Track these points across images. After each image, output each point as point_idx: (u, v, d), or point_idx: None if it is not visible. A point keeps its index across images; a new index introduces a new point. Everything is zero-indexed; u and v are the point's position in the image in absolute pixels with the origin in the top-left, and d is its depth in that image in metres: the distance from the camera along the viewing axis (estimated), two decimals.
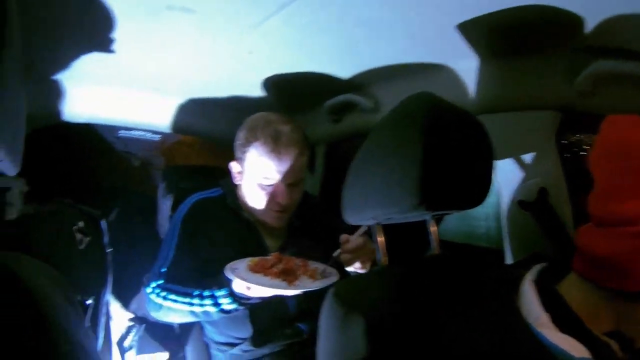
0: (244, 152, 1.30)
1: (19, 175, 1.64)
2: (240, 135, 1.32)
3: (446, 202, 0.78)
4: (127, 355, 1.70)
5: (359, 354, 0.66)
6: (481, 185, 0.84)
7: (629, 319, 0.65)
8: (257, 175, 1.28)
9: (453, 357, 0.65)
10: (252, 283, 1.09)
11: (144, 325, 1.76)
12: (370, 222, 0.92)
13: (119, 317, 1.76)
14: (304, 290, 1.10)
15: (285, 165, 1.26)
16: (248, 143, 1.28)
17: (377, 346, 0.66)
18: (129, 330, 1.76)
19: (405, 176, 0.74)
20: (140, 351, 1.73)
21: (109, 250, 1.38)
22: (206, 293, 1.21)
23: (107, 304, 1.37)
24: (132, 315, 1.79)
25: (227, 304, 1.20)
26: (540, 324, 0.65)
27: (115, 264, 1.61)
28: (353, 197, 0.88)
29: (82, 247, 1.21)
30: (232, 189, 1.40)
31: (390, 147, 0.79)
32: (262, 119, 1.30)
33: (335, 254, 1.21)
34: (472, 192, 0.83)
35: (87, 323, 1.16)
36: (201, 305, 1.22)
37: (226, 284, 1.17)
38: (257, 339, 1.33)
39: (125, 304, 1.83)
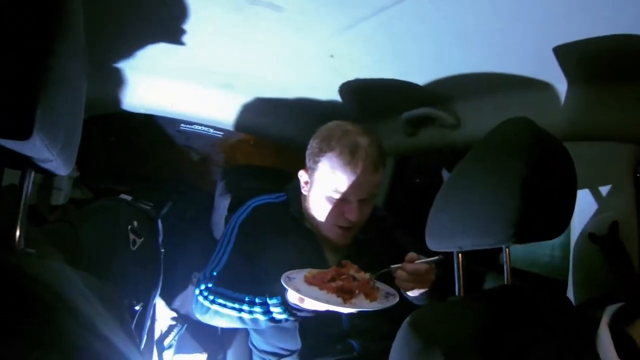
0: (316, 162, 1.21)
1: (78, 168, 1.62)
2: (314, 144, 1.23)
3: (535, 233, 0.78)
4: (165, 354, 1.66)
5: None
6: (565, 216, 0.83)
7: None
8: (328, 188, 1.20)
9: None
10: (307, 296, 1.04)
11: (185, 325, 1.72)
12: (453, 249, 0.89)
13: (161, 315, 1.73)
14: (359, 310, 1.05)
15: (360, 180, 1.16)
16: (322, 153, 1.19)
17: None
18: (170, 329, 1.72)
19: (502, 208, 0.74)
20: (178, 350, 1.69)
21: (162, 250, 1.31)
22: (258, 300, 1.15)
23: (154, 307, 1.31)
24: (174, 314, 1.75)
25: (277, 313, 1.14)
26: None
27: (166, 260, 1.59)
28: (440, 224, 0.86)
29: (134, 248, 1.15)
30: (297, 197, 1.33)
31: (487, 176, 0.79)
32: (338, 129, 1.21)
33: (393, 267, 1.13)
34: (558, 222, 0.82)
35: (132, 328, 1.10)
36: (250, 312, 1.16)
37: (280, 292, 1.11)
38: (306, 353, 1.26)
39: (170, 301, 1.80)
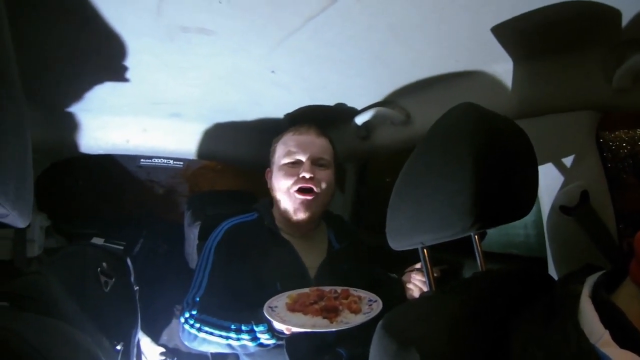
0: (273, 153, 1.38)
1: (40, 209, 1.61)
2: (271, 150, 1.39)
3: (498, 217, 0.75)
4: None
5: None
6: (529, 195, 0.82)
7: None
8: (282, 157, 1.33)
9: None
10: (293, 325, 1.05)
11: (175, 358, 1.72)
12: (416, 246, 0.87)
13: (149, 352, 1.71)
14: (349, 326, 1.04)
15: (306, 139, 1.32)
16: (276, 142, 1.38)
17: None
18: None
19: (457, 197, 0.70)
20: None
21: (136, 288, 1.31)
22: (244, 327, 1.17)
23: (138, 344, 1.30)
24: (162, 350, 1.73)
25: (265, 339, 1.15)
26: (603, 342, 0.60)
27: (144, 296, 1.56)
28: (399, 222, 0.83)
29: (107, 289, 1.14)
30: (269, 210, 1.40)
31: (438, 166, 0.75)
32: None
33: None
34: (521, 201, 0.80)
35: None
36: (238, 339, 1.18)
37: (265, 319, 1.12)
38: None
39: (156, 337, 1.78)
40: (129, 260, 1.30)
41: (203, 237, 1.49)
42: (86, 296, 1.07)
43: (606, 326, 0.60)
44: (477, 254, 0.97)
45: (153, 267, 1.84)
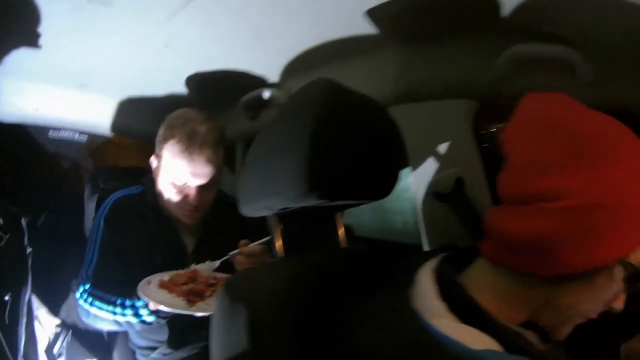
0: (160, 149, 1.29)
1: None
2: (160, 132, 1.30)
3: (341, 191, 0.75)
4: None
5: (241, 345, 0.63)
6: (385, 177, 0.81)
7: (547, 307, 0.61)
8: (171, 174, 1.27)
9: (339, 356, 0.61)
10: (154, 301, 1.07)
11: (70, 331, 1.72)
12: (265, 213, 0.86)
13: (48, 324, 1.71)
14: (201, 314, 1.06)
15: (196, 168, 1.24)
16: (165, 140, 1.27)
17: (257, 337, 0.63)
18: (56, 336, 1.71)
19: (294, 161, 0.70)
20: (69, 358, 1.69)
21: (29, 250, 1.33)
22: (127, 303, 1.20)
23: (30, 304, 1.33)
24: (59, 322, 1.74)
25: (146, 315, 1.19)
26: (434, 314, 0.59)
27: (47, 269, 1.60)
28: (247, 187, 0.83)
29: (1, 244, 1.18)
30: (152, 186, 1.37)
31: (285, 134, 0.75)
32: (181, 117, 1.28)
33: (231, 254, 1.20)
34: (373, 183, 0.80)
35: (6, 320, 1.13)
36: (123, 314, 1.20)
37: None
38: (175, 342, 1.34)
39: (55, 310, 1.77)
40: (23, 221, 1.32)
41: (98, 210, 1.47)
42: None
43: (445, 299, 0.60)
44: (338, 231, 0.98)
45: (56, 242, 1.82)
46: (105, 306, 1.22)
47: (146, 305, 1.17)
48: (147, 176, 1.41)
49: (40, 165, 1.92)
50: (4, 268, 1.15)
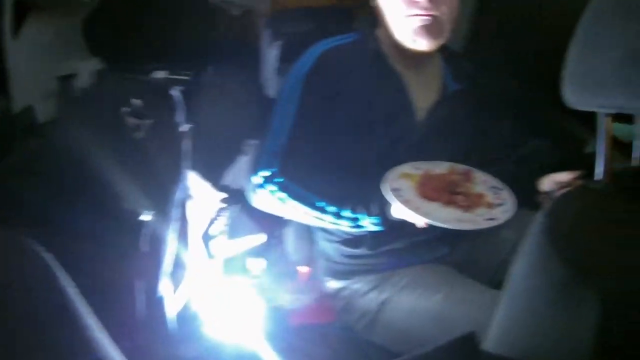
0: None
1: (93, 53, 1.28)
2: None
3: None
4: (213, 243, 1.48)
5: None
6: None
7: None
8: None
9: None
10: (435, 220, 0.91)
11: (239, 205, 1.52)
12: (599, 110, 0.80)
13: (208, 199, 1.52)
14: (495, 223, 0.93)
15: None
16: None
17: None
18: (218, 213, 1.53)
19: None
20: (232, 235, 1.51)
21: (184, 127, 1.02)
22: (345, 213, 1.04)
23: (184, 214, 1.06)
24: (224, 195, 1.54)
25: (371, 226, 1.05)
26: None
27: (210, 133, 1.32)
28: (582, 73, 0.74)
29: (141, 134, 0.85)
30: (372, 31, 1.17)
31: None
32: None
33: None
34: None
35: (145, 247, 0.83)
36: (335, 223, 1.06)
37: (378, 205, 1.00)
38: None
39: (216, 179, 1.58)
40: (175, 92, 1.00)
41: (286, 58, 1.35)
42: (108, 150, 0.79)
43: None
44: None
45: (226, 97, 1.58)
46: (309, 209, 1.07)
47: (380, 223, 1.03)
48: (362, 19, 1.28)
49: (201, 17, 1.63)
50: (139, 171, 0.84)
